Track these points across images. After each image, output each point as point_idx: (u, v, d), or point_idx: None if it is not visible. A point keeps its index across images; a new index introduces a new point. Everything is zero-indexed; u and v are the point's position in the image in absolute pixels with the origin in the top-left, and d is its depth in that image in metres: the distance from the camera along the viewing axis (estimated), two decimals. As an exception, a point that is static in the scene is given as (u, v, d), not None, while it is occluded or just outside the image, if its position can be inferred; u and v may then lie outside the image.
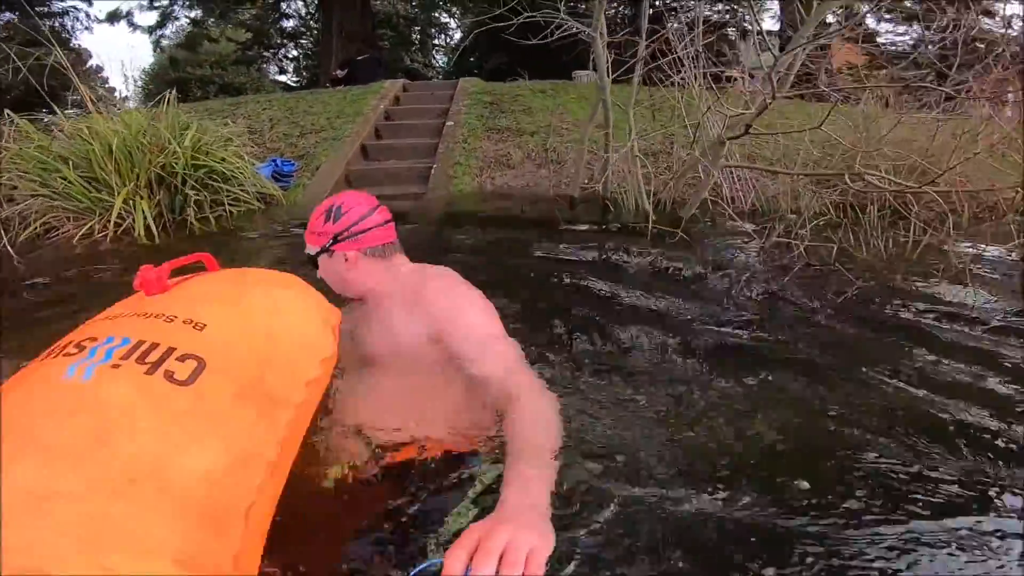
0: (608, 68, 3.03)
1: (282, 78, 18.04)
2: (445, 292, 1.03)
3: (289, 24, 15.56)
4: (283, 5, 14.15)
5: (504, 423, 0.81)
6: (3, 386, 0.63)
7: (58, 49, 3.55)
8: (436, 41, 19.74)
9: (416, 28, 18.44)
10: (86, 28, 13.19)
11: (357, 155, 4.76)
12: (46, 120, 3.76)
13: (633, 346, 1.56)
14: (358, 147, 4.83)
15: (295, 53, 17.32)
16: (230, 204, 3.64)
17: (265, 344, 0.75)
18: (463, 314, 0.99)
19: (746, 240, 2.75)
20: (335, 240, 1.06)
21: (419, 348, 0.99)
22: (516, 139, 4.89)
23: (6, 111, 3.65)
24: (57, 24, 12.69)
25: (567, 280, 2.11)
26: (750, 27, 3.29)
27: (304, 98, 6.27)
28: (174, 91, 3.85)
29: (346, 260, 1.07)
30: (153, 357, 0.63)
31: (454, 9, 17.53)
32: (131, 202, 3.37)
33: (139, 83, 17.22)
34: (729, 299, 1.95)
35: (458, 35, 18.86)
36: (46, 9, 12.36)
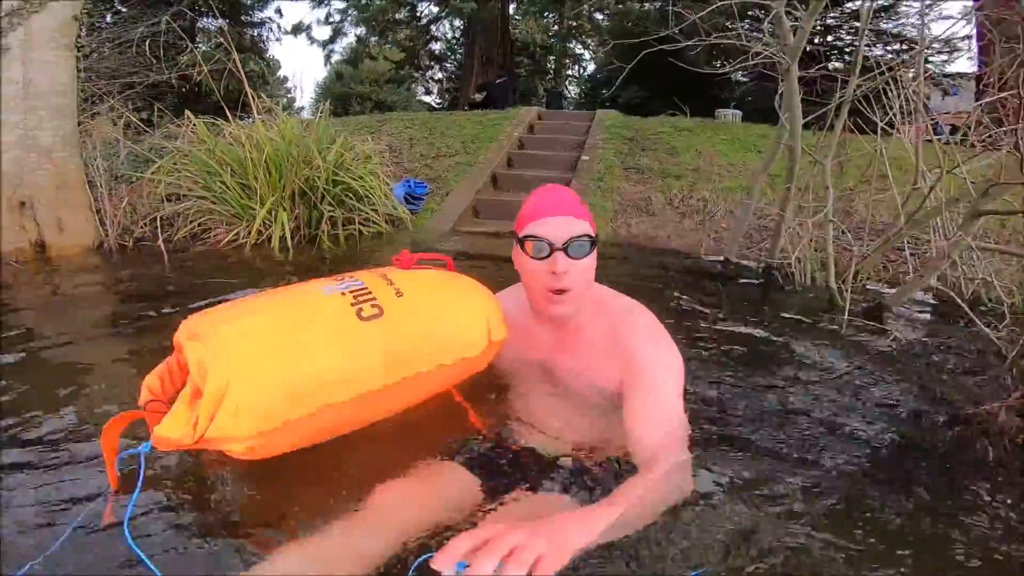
0: (800, 109, 2.49)
1: (427, 99, 19.29)
2: (649, 341, 1.02)
3: (437, 47, 16.58)
4: (433, 28, 15.05)
5: (635, 473, 0.84)
6: (314, 279, 1.00)
7: (236, 55, 3.77)
8: (570, 72, 19.96)
9: (551, 57, 18.78)
10: (277, 40, 14.97)
11: (488, 184, 4.62)
12: (219, 123, 3.97)
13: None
14: (489, 176, 4.69)
15: (440, 75, 18.43)
16: (361, 224, 3.61)
17: (427, 325, 0.97)
18: (658, 375, 0.98)
19: (976, 343, 2.05)
20: (596, 240, 1.05)
21: (607, 386, 1.03)
22: (658, 182, 4.44)
23: (187, 113, 3.96)
24: (256, 34, 14.47)
25: (729, 368, 1.64)
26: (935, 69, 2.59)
27: (443, 119, 6.37)
28: (327, 103, 3.95)
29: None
30: (363, 297, 0.92)
31: (589, 41, 17.62)
32: (274, 213, 3.45)
33: (312, 95, 19.33)
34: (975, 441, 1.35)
35: (591, 67, 18.93)
36: (249, 19, 14.07)
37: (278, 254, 3.25)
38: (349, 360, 0.86)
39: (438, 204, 4.28)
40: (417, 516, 0.82)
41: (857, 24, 11.11)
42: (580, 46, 18.57)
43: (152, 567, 0.69)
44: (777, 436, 1.31)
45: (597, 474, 0.97)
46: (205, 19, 13.82)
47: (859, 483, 1.12)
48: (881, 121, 2.71)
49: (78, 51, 3.55)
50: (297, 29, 13.24)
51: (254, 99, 3.73)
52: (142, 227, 3.49)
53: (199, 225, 3.55)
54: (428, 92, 18.97)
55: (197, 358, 0.78)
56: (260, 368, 0.79)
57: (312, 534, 0.78)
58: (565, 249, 0.97)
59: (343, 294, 0.92)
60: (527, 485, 0.95)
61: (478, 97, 10.14)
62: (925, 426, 1.43)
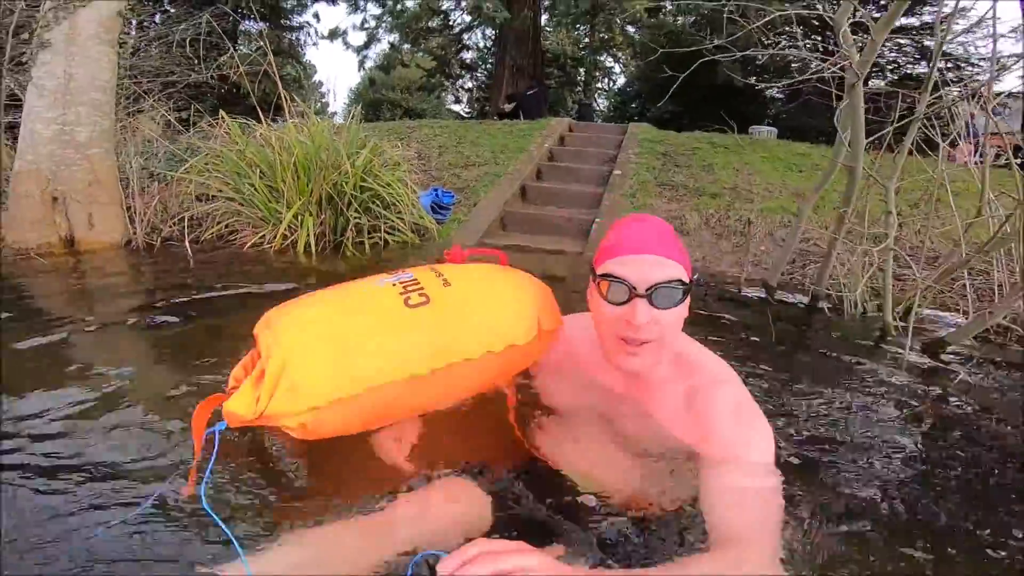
0: (863, 128, 2.31)
1: (456, 107, 19.40)
2: (738, 420, 0.86)
3: (468, 56, 16.65)
4: (465, 36, 15.13)
5: (707, 549, 0.75)
6: (373, 276, 1.07)
7: (272, 57, 3.76)
8: (600, 85, 19.88)
9: (582, 69, 18.74)
10: (314, 44, 15.08)
11: (516, 196, 4.52)
12: (252, 125, 3.94)
13: None
14: (518, 187, 4.59)
15: (470, 84, 18.52)
16: (386, 232, 3.54)
17: (473, 312, 0.99)
18: (747, 455, 0.84)
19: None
20: (690, 286, 0.90)
21: (674, 447, 0.91)
22: (693, 200, 4.28)
23: (221, 113, 3.95)
24: (294, 38, 14.75)
25: (777, 405, 1.49)
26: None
27: (473, 128, 6.32)
28: (359, 108, 3.91)
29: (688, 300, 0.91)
30: (411, 288, 0.99)
31: (620, 55, 17.52)
32: (300, 217, 3.40)
33: (346, 100, 19.63)
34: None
35: (622, 79, 18.83)
36: (288, 23, 14.34)
37: (302, 260, 3.20)
38: (395, 344, 0.91)
39: (465, 215, 4.20)
40: (428, 535, 0.78)
41: (901, 41, 10.81)
42: (611, 59, 18.51)
43: (227, 531, 0.75)
44: (825, 481, 1.18)
45: (630, 530, 0.87)
46: (247, 22, 14.19)
47: (912, 540, 0.98)
48: (943, 142, 2.53)
49: (120, 48, 3.58)
50: (333, 34, 13.44)
51: (287, 102, 3.71)
52: (171, 226, 3.48)
53: (226, 227, 3.53)
54: (458, 101, 19.08)
55: (265, 344, 0.89)
56: (314, 350, 0.88)
57: (318, 533, 0.80)
58: (649, 296, 0.83)
59: (393, 285, 1.00)
60: (553, 529, 0.88)
61: (507, 107, 10.09)
62: (997, 490, 1.26)
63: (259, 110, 3.85)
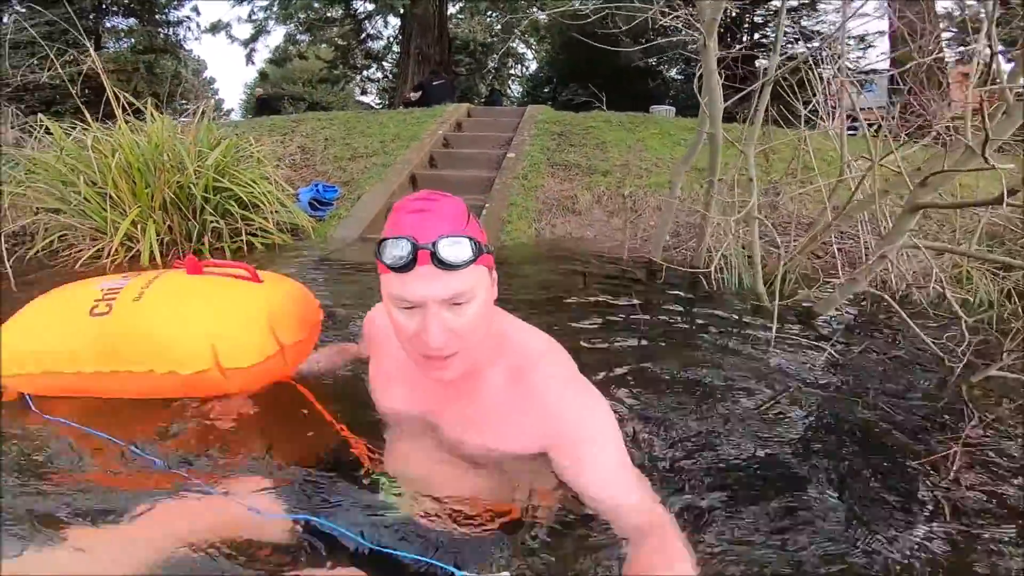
0: (719, 93, 2.26)
1: (365, 99, 18.56)
2: (576, 396, 0.81)
3: (375, 46, 15.93)
4: (367, 24, 14.43)
5: (639, 548, 0.68)
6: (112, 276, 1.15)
7: (93, 52, 3.25)
8: (512, 71, 19.75)
9: (493, 56, 18.51)
10: (196, 39, 14.04)
11: (404, 186, 4.25)
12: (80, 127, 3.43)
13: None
14: (407, 177, 4.31)
15: (378, 75, 17.77)
16: (250, 235, 3.18)
17: (144, 331, 1.01)
18: (602, 432, 0.79)
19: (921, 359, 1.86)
20: (485, 249, 0.76)
21: (522, 455, 0.82)
22: (585, 178, 4.19)
23: (39, 115, 3.40)
24: (171, 33, 13.61)
25: (647, 392, 1.39)
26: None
27: (364, 118, 5.93)
28: (211, 102, 3.49)
29: (494, 283, 0.82)
30: (109, 296, 1.04)
31: (531, 40, 17.44)
32: (140, 226, 2.97)
33: (243, 97, 18.21)
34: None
35: (534, 65, 18.78)
36: (164, 17, 13.21)
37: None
38: (62, 343, 1.00)
39: (348, 209, 3.89)
40: (185, 555, 0.71)
41: (783, 22, 11.44)
42: (523, 45, 18.39)
43: None
44: (694, 471, 1.08)
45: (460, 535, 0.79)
46: (115, 18, 12.94)
47: (791, 535, 0.88)
48: (804, 110, 2.55)
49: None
50: (215, 28, 12.38)
51: (115, 100, 3.21)
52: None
53: (60, 240, 3.05)
54: (365, 92, 18.28)
55: None
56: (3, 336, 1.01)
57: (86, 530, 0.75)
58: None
59: (101, 290, 1.05)
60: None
61: (413, 96, 9.69)
62: (869, 467, 1.19)
63: (85, 111, 3.33)
